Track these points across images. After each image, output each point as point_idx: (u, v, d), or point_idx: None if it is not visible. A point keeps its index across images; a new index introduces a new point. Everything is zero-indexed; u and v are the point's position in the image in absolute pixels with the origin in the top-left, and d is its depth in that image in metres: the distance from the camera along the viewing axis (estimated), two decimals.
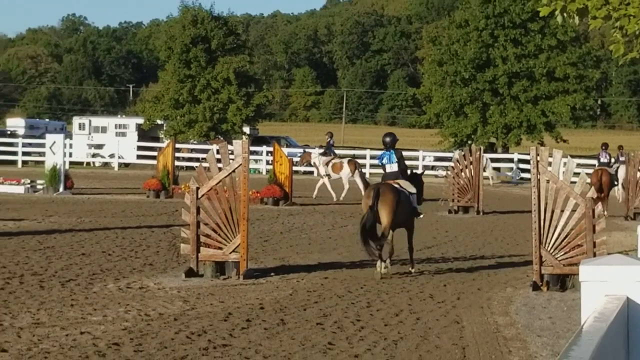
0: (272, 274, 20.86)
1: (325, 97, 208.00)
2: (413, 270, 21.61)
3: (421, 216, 23.37)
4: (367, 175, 62.33)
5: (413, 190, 22.09)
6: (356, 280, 20.46)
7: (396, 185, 21.60)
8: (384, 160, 22.43)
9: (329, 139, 48.79)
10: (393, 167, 22.18)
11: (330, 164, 45.52)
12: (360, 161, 70.71)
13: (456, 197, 39.97)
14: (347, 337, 14.48)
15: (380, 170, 23.53)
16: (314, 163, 46.99)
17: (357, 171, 44.93)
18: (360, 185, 43.34)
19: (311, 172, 60.89)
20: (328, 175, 45.45)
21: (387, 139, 22.69)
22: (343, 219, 36.10)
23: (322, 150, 49.12)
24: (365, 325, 15.46)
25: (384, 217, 20.85)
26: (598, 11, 18.85)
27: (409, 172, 23.19)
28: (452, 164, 42.89)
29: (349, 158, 48.96)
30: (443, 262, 24.11)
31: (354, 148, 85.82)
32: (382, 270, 20.70)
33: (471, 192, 39.96)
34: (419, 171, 45.70)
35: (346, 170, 45.04)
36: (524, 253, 25.26)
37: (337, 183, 45.08)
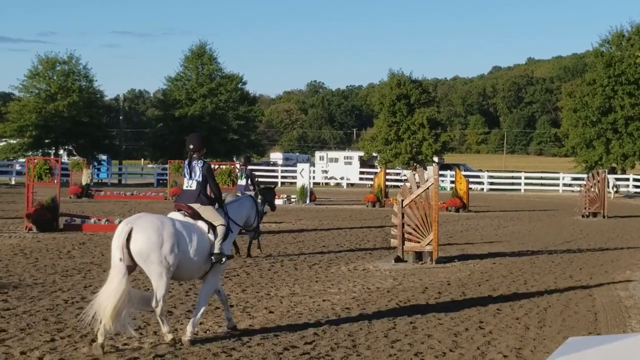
0: (455, 260, 20.72)
1: (491, 136, 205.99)
2: None
3: None
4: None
5: None
6: (515, 265, 20.15)
7: None
8: None
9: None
10: None
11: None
12: (515, 180, 69.96)
13: (587, 206, 39.07)
14: (510, 304, 14.27)
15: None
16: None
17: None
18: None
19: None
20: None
21: None
22: (505, 221, 35.58)
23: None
24: (522, 296, 15.21)
25: None
26: None
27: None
28: (584, 182, 41.76)
29: None
30: (579, 252, 23.51)
31: (512, 171, 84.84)
32: None
33: (598, 202, 39.06)
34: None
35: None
36: (638, 245, 24.45)
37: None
